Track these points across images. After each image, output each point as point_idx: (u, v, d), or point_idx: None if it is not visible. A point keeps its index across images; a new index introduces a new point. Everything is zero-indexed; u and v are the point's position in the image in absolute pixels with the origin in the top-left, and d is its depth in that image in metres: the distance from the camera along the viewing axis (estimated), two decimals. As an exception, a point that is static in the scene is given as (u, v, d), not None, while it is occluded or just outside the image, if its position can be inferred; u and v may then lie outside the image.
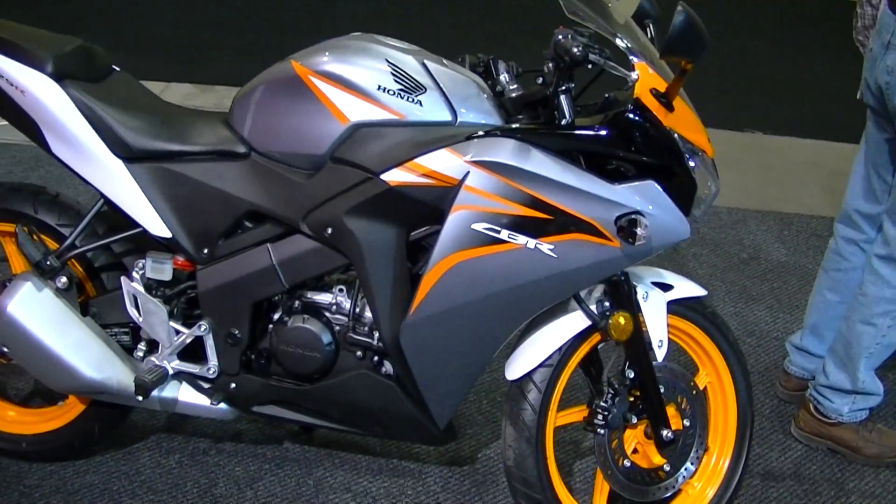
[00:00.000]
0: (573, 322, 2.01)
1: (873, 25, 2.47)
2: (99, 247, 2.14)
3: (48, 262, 2.07)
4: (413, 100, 1.90)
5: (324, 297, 2.07)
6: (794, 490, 2.47)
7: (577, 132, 1.87)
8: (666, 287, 2.08)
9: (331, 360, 2.06)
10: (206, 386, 2.13)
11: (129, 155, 2.00)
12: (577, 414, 2.11)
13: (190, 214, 2.02)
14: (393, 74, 1.90)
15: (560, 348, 2.01)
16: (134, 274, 2.09)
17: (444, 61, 1.99)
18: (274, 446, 2.43)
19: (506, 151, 1.83)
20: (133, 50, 5.16)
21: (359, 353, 2.06)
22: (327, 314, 2.08)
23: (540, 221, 1.84)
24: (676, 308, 2.08)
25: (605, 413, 2.03)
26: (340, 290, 2.07)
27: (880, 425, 2.63)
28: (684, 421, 2.13)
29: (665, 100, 1.86)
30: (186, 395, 2.14)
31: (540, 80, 1.94)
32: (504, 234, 1.85)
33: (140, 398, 2.06)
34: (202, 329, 2.05)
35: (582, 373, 2.16)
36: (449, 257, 1.86)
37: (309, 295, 2.08)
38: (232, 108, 2.03)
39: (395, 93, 1.89)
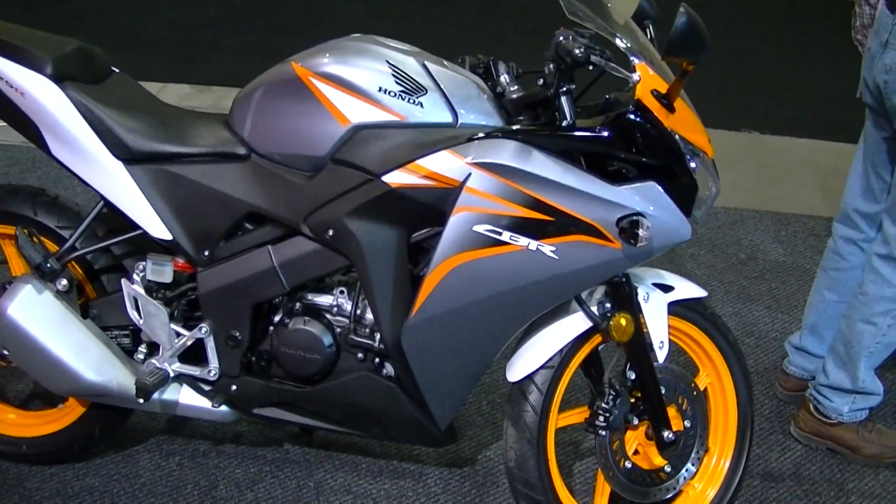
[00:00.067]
0: (574, 323, 2.01)
1: (872, 25, 2.47)
2: (99, 249, 2.13)
3: (48, 265, 2.06)
4: (414, 101, 1.90)
5: (325, 299, 2.07)
6: (793, 490, 2.47)
7: (579, 133, 1.87)
8: (667, 288, 2.08)
9: (332, 361, 2.06)
10: (207, 388, 2.13)
11: (129, 157, 2.00)
12: (578, 415, 2.11)
13: (190, 216, 2.02)
14: (394, 76, 1.90)
15: (561, 350, 2.01)
16: (134, 276, 2.09)
17: (445, 62, 1.99)
18: (274, 448, 2.43)
19: (507, 153, 1.83)
20: (131, 50, 5.16)
21: (360, 354, 2.06)
22: (328, 316, 2.07)
23: (541, 223, 1.84)
24: (677, 309, 2.08)
25: (607, 414, 2.03)
26: (341, 292, 2.07)
27: (880, 425, 2.63)
28: (685, 422, 2.13)
29: (666, 101, 1.86)
30: (187, 397, 2.13)
31: (541, 82, 1.93)
32: (506, 236, 1.85)
33: (141, 401, 2.06)
34: (203, 331, 2.05)
35: (582, 374, 2.16)
36: (451, 259, 1.86)
37: (310, 297, 2.07)
38: (232, 110, 2.02)
39: (395, 94, 1.89)
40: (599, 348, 2.10)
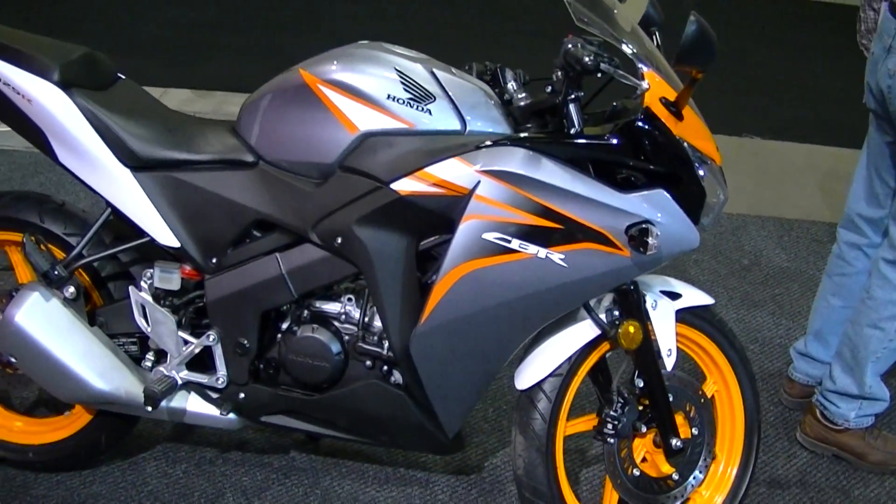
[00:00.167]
0: (583, 331, 2.01)
1: (875, 29, 2.47)
2: (106, 256, 2.13)
3: (56, 272, 2.06)
4: (422, 108, 1.89)
5: (333, 307, 2.07)
6: (799, 498, 2.47)
7: (587, 141, 1.87)
8: (674, 296, 2.07)
9: (340, 369, 2.06)
10: (215, 396, 2.12)
11: (136, 164, 2.00)
12: (586, 423, 2.11)
13: (198, 223, 2.01)
14: (402, 83, 1.89)
15: (570, 357, 2.00)
16: (142, 283, 2.08)
17: (453, 70, 1.99)
18: (281, 456, 2.43)
19: (516, 161, 1.83)
20: (130, 52, 5.13)
21: (368, 362, 2.05)
22: (336, 323, 2.07)
23: (550, 231, 1.84)
24: (685, 316, 2.08)
25: (615, 422, 2.03)
26: (349, 300, 2.06)
27: (886, 432, 2.63)
28: (693, 429, 2.13)
29: (675, 108, 1.86)
30: (195, 405, 2.13)
31: (549, 89, 1.93)
32: (515, 244, 1.84)
33: (149, 409, 2.05)
34: (211, 339, 2.04)
35: (590, 382, 2.15)
36: (459, 267, 1.86)
37: (318, 304, 2.07)
38: (239, 117, 2.02)
39: (404, 101, 1.89)
40: (607, 356, 2.10)
